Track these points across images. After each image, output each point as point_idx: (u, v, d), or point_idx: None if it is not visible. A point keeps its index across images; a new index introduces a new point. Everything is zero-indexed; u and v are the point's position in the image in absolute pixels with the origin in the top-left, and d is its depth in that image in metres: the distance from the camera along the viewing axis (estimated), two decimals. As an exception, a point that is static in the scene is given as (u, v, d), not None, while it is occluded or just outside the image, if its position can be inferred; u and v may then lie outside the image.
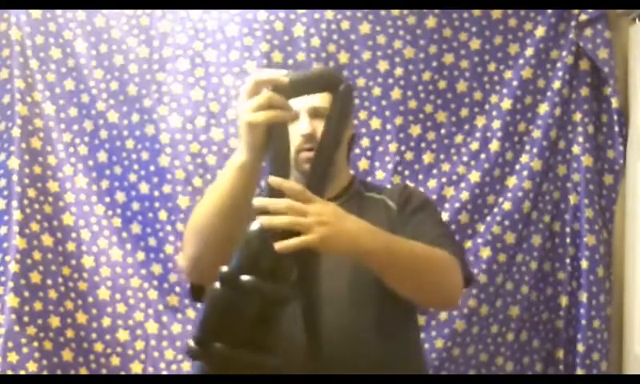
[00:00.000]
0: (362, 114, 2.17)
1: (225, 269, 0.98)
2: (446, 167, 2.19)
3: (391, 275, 1.14)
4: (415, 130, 2.19)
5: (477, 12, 2.19)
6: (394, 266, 1.12)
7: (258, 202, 1.03)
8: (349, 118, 1.24)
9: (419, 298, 1.22)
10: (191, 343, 0.97)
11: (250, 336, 0.96)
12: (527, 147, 2.20)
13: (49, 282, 2.06)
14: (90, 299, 2.11)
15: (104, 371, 2.09)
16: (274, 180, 1.04)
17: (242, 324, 0.95)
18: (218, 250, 1.17)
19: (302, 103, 1.35)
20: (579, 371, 2.13)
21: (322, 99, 1.36)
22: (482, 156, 2.19)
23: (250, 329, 0.96)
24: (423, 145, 2.19)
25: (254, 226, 0.99)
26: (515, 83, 2.19)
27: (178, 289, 2.14)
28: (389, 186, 1.48)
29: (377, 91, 2.17)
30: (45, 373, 2.01)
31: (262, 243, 0.98)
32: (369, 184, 1.50)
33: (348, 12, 2.17)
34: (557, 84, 2.19)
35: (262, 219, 0.99)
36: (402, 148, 2.18)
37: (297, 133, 1.34)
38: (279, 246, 0.97)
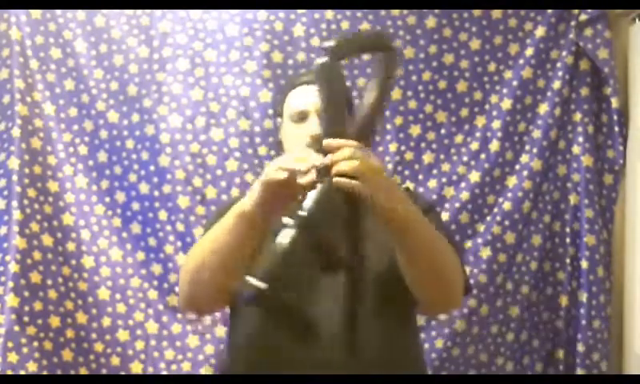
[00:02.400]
0: (362, 114, 2.16)
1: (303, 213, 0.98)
2: (446, 167, 2.19)
3: (409, 248, 1.15)
4: (415, 130, 2.19)
5: (477, 12, 2.19)
6: (415, 238, 1.13)
7: (326, 142, 1.05)
8: (392, 82, 1.25)
9: (427, 283, 1.20)
10: (260, 284, 0.94)
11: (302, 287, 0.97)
12: (527, 147, 2.20)
13: (49, 282, 2.06)
14: (90, 299, 2.11)
15: (104, 371, 2.09)
16: (328, 142, 1.05)
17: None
18: (213, 291, 1.20)
19: (310, 103, 1.35)
20: (579, 371, 2.13)
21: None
22: (482, 156, 2.19)
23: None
24: (423, 145, 2.19)
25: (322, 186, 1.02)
26: (515, 83, 2.19)
27: (177, 289, 2.13)
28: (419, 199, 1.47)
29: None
30: (45, 373, 2.01)
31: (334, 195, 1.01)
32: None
33: (348, 12, 2.17)
34: (557, 84, 2.19)
35: (335, 168, 1.02)
36: (402, 148, 2.18)
37: (305, 133, 1.33)
38: (337, 181, 1.01)
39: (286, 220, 0.96)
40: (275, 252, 0.94)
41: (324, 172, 1.03)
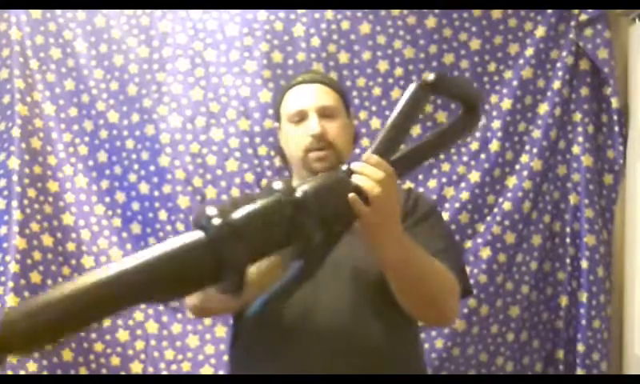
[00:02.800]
0: (362, 114, 2.17)
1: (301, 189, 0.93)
2: (446, 167, 2.19)
3: (399, 274, 1.13)
4: (415, 130, 2.18)
5: (477, 12, 2.19)
6: (405, 264, 1.11)
7: (358, 164, 1.01)
8: (456, 142, 1.26)
9: (416, 309, 1.20)
10: (212, 211, 0.85)
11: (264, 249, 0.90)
12: (527, 147, 2.20)
13: (49, 282, 2.06)
14: (90, 299, 2.10)
15: (104, 371, 2.09)
16: (370, 155, 1.02)
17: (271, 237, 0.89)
18: (218, 301, 1.19)
19: (309, 102, 1.34)
20: (579, 371, 2.13)
21: (329, 98, 1.35)
22: (482, 156, 2.19)
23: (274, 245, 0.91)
24: (423, 145, 2.19)
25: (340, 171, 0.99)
26: (515, 83, 2.19)
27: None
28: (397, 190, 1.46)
29: (377, 91, 2.17)
30: (45, 373, 2.01)
31: (340, 186, 0.97)
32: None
33: (348, 12, 2.17)
34: (557, 84, 2.19)
35: (358, 177, 0.98)
36: (402, 148, 2.17)
37: (306, 133, 1.32)
38: (353, 198, 0.96)
39: (277, 185, 0.91)
40: (253, 208, 0.88)
41: (347, 173, 1.00)
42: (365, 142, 2.16)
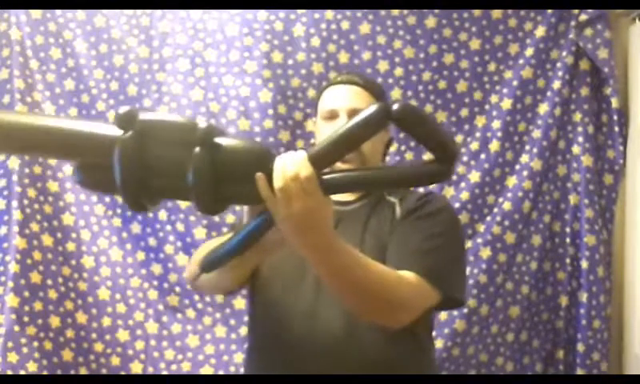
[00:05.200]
0: (362, 114, 2.16)
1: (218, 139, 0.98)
2: (446, 167, 2.19)
3: (326, 277, 1.11)
4: (415, 130, 2.18)
5: (477, 12, 2.19)
6: (331, 278, 1.10)
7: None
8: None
9: (357, 313, 1.18)
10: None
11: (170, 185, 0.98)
12: (527, 147, 2.20)
13: (49, 282, 2.06)
14: (90, 299, 2.11)
15: (104, 371, 2.09)
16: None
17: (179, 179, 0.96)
18: (217, 280, 1.22)
19: (341, 103, 1.37)
20: (579, 371, 2.13)
21: (362, 101, 1.36)
22: (482, 156, 2.19)
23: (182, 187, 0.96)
24: (423, 145, 2.19)
25: (276, 158, 0.98)
26: (515, 83, 2.19)
27: (178, 289, 2.14)
28: (414, 191, 1.44)
29: (384, 90, 2.17)
30: (45, 373, 2.01)
31: (258, 161, 0.98)
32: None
33: (348, 12, 2.17)
34: (557, 84, 2.19)
35: (277, 169, 0.97)
36: (402, 148, 2.18)
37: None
38: (259, 176, 0.97)
39: (203, 123, 0.98)
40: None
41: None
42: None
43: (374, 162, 1.37)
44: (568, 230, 2.20)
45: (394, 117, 0.95)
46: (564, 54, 2.19)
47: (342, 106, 1.37)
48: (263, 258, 1.23)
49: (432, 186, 2.17)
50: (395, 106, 0.95)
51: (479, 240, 2.16)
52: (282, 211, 0.97)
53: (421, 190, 2.06)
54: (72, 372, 2.06)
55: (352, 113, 1.32)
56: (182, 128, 0.96)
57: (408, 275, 1.18)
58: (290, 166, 0.96)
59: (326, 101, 1.41)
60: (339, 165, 1.16)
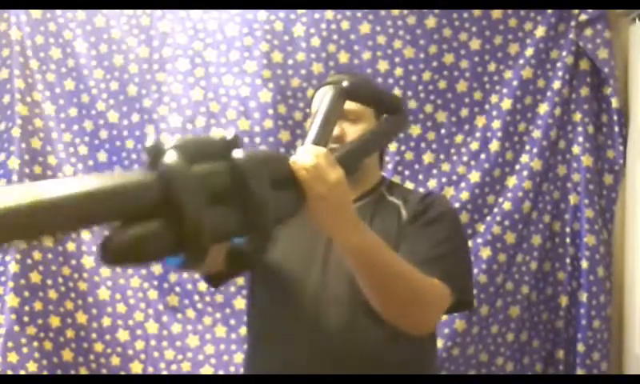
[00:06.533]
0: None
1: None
2: (446, 167, 2.19)
3: (361, 275, 1.11)
4: (415, 130, 2.19)
5: (477, 12, 2.19)
6: (365, 266, 1.09)
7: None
8: (393, 138, 1.30)
9: (382, 308, 1.16)
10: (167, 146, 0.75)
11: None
12: (527, 147, 2.20)
13: (49, 282, 2.06)
14: (90, 299, 2.11)
15: (104, 371, 2.09)
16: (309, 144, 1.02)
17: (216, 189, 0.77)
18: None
19: None
20: (579, 371, 2.13)
21: (354, 102, 1.35)
22: (482, 156, 2.19)
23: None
24: (423, 145, 2.19)
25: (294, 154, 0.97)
26: (515, 83, 2.19)
27: (178, 289, 2.14)
28: (416, 192, 1.44)
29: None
30: (45, 373, 2.01)
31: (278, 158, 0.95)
32: (395, 187, 1.43)
33: (348, 12, 2.17)
34: (557, 84, 2.19)
35: (298, 157, 0.95)
36: (402, 148, 2.18)
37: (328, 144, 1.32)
38: (297, 160, 0.94)
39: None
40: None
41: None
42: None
43: (372, 162, 1.36)
44: (568, 230, 2.20)
45: (348, 93, 1.08)
46: (564, 53, 2.19)
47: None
48: None
49: (432, 186, 2.17)
50: (345, 84, 1.08)
51: (479, 240, 2.16)
52: (319, 188, 0.95)
53: (421, 190, 2.07)
54: (72, 372, 2.06)
55: (344, 113, 1.30)
56: (213, 143, 0.81)
57: (435, 283, 1.19)
58: (307, 149, 0.97)
59: (315, 102, 1.39)
60: None
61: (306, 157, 0.95)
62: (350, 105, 1.32)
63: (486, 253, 2.15)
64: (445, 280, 1.20)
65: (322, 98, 1.08)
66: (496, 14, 2.19)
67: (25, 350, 2.00)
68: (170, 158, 0.74)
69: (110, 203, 0.67)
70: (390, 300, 1.13)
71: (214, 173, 0.78)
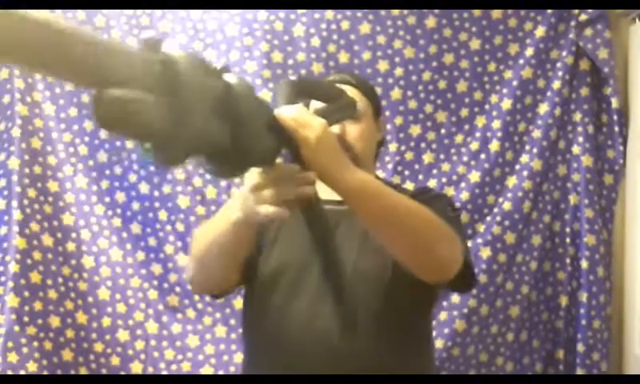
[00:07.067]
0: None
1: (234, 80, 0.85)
2: (446, 167, 2.19)
3: (372, 219, 1.07)
4: (415, 130, 2.19)
5: (477, 12, 2.19)
6: (373, 204, 1.06)
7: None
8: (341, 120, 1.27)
9: (404, 253, 1.12)
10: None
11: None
12: (527, 147, 2.20)
13: (49, 282, 2.06)
14: (90, 299, 2.11)
15: (104, 371, 2.09)
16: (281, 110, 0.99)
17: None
18: (217, 275, 1.22)
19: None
20: (579, 371, 2.13)
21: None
22: (482, 156, 2.19)
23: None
24: (423, 145, 2.19)
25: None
26: (515, 83, 2.19)
27: (178, 289, 2.14)
28: (410, 189, 1.45)
29: (377, 91, 2.17)
30: (45, 373, 2.01)
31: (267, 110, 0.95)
32: (390, 186, 1.45)
33: (348, 12, 2.17)
34: (557, 84, 2.19)
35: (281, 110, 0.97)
36: (402, 148, 2.18)
37: None
38: (280, 111, 0.95)
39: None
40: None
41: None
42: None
43: (367, 161, 1.35)
44: (568, 230, 2.20)
45: (294, 87, 1.08)
46: (564, 53, 2.19)
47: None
48: (251, 247, 1.20)
49: (432, 186, 2.17)
50: (292, 79, 1.11)
51: (479, 240, 2.16)
52: (309, 133, 0.96)
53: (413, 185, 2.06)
54: (72, 372, 2.06)
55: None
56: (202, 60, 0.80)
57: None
58: (285, 106, 0.99)
59: (313, 102, 1.40)
60: None
61: (289, 109, 0.97)
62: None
63: (485, 253, 2.15)
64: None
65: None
66: (496, 13, 2.19)
67: (25, 350, 2.00)
68: (172, 47, 0.74)
69: (116, 61, 0.66)
70: (407, 235, 1.08)
71: (212, 86, 0.79)
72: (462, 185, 2.18)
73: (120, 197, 2.15)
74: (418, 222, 1.08)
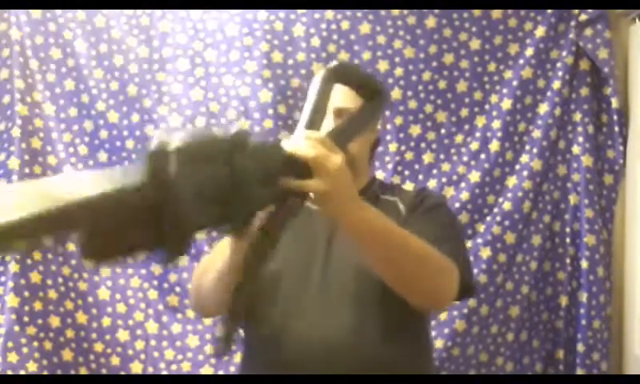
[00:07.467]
0: (362, 114, 2.16)
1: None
2: (446, 167, 2.19)
3: (370, 254, 1.11)
4: (415, 130, 2.19)
5: (477, 12, 2.19)
6: (380, 241, 1.09)
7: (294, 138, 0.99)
8: (374, 124, 1.28)
9: (405, 292, 1.17)
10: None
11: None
12: (527, 147, 2.20)
13: (49, 282, 2.06)
14: (90, 299, 2.11)
15: (104, 371, 2.09)
16: (303, 131, 1.00)
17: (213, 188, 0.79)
18: (219, 302, 1.20)
19: (349, 102, 1.32)
20: (579, 371, 2.13)
21: (349, 100, 1.34)
22: (482, 156, 2.19)
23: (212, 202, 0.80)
24: (423, 145, 2.19)
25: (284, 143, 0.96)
26: (515, 83, 2.19)
27: (178, 289, 2.14)
28: (408, 189, 1.46)
29: None
30: (45, 373, 2.01)
31: (277, 150, 0.93)
32: (387, 186, 1.46)
33: (348, 12, 2.17)
34: (557, 84, 2.19)
35: (291, 143, 0.95)
36: (402, 148, 2.18)
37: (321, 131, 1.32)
38: (290, 145, 0.93)
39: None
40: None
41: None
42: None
43: (362, 162, 1.36)
44: (568, 230, 2.20)
45: (336, 73, 1.09)
46: (564, 53, 2.19)
47: (329, 105, 1.34)
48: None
49: (432, 186, 2.17)
50: (332, 66, 1.10)
51: (479, 240, 2.16)
52: (329, 168, 0.95)
53: (413, 186, 2.06)
54: (72, 372, 2.06)
55: (338, 112, 1.32)
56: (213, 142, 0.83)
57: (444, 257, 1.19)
58: (305, 134, 0.96)
59: (335, 98, 1.38)
60: None
61: (308, 142, 0.95)
62: (346, 103, 1.33)
63: (485, 253, 2.15)
64: (451, 259, 1.20)
65: (313, 86, 1.07)
66: (496, 13, 2.19)
67: (25, 350, 2.00)
68: (171, 165, 0.75)
69: (106, 212, 0.69)
70: (408, 271, 1.13)
71: (212, 178, 0.80)
72: (462, 185, 2.18)
73: (120, 197, 2.14)
74: (415, 260, 1.13)
